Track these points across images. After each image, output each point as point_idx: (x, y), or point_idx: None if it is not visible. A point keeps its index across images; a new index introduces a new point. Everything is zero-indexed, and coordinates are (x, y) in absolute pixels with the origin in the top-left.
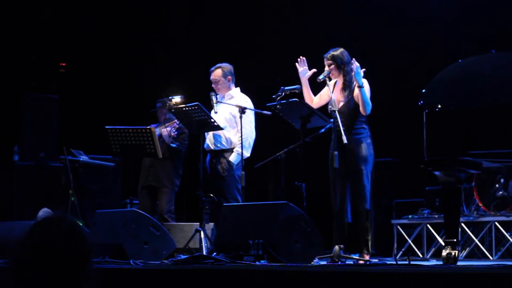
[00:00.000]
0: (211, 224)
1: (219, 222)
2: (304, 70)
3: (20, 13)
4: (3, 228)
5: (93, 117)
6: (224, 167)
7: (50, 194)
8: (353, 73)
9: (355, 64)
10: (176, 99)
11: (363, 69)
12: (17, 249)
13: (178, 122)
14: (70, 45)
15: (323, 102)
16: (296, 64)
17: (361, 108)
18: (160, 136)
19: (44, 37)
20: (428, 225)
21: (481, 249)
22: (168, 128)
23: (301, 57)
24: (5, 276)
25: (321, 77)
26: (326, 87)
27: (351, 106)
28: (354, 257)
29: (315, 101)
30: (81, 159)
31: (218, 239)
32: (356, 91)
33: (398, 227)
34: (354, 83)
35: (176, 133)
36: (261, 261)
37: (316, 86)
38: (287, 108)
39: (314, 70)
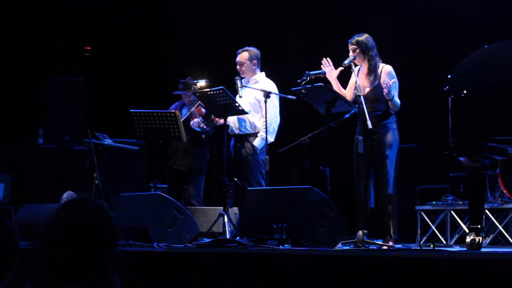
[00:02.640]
0: (235, 208)
1: (243, 206)
2: (330, 71)
3: None
4: (28, 211)
5: (118, 101)
6: (248, 151)
7: (74, 177)
8: (385, 92)
9: (393, 80)
10: (201, 83)
11: (393, 80)
12: (43, 230)
13: (203, 104)
14: (95, 29)
15: (352, 93)
16: (322, 66)
17: (391, 107)
18: (189, 120)
19: (69, 21)
20: (452, 212)
21: (505, 236)
22: (197, 119)
23: (324, 59)
24: (31, 257)
25: (346, 61)
26: (352, 78)
27: (377, 92)
28: (377, 242)
29: (347, 94)
30: (105, 143)
31: (241, 223)
32: (384, 76)
33: (422, 213)
34: (380, 68)
35: (205, 123)
36: (285, 245)
37: (343, 71)
38: (312, 93)
39: (340, 68)
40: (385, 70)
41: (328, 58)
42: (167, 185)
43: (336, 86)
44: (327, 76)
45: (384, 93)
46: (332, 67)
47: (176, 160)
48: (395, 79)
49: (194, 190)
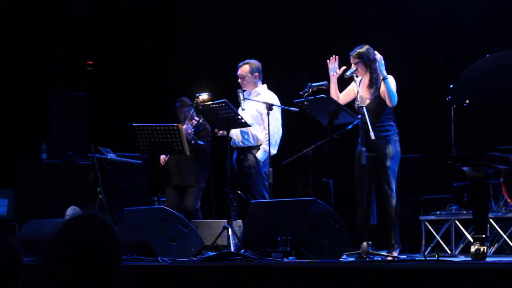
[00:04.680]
0: (239, 221)
1: (247, 219)
2: (333, 68)
3: (48, 12)
4: (32, 226)
5: (121, 115)
6: (251, 164)
7: (78, 192)
8: (377, 64)
9: (378, 56)
10: (203, 96)
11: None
12: (48, 246)
13: (197, 120)
14: (97, 43)
15: (348, 99)
16: (328, 61)
17: (387, 100)
18: None
19: (71, 36)
20: (456, 221)
21: (509, 245)
22: (185, 126)
23: (333, 55)
24: (36, 273)
25: (348, 73)
26: (351, 84)
27: (378, 103)
28: (382, 253)
29: (341, 98)
30: (108, 157)
31: (246, 236)
32: (382, 86)
33: (426, 223)
34: (381, 78)
35: (193, 130)
36: (289, 257)
37: (344, 82)
38: (315, 104)
39: (344, 67)
40: None
41: (337, 57)
42: (165, 199)
43: (334, 85)
44: (329, 72)
45: (378, 73)
46: (337, 66)
47: (174, 175)
48: (394, 82)
49: (193, 205)
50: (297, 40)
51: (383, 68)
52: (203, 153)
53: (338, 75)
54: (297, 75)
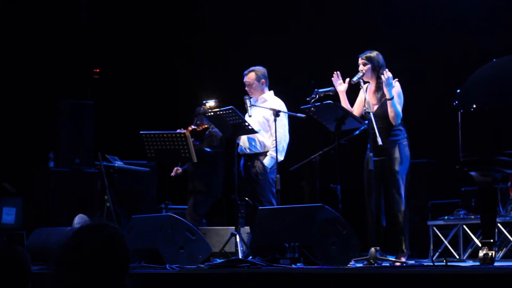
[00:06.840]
0: (247, 228)
1: (255, 226)
2: (340, 85)
3: (55, 20)
4: (40, 235)
5: (128, 123)
6: (258, 170)
7: (85, 200)
8: (383, 84)
9: (387, 75)
10: (210, 103)
11: (396, 79)
12: (57, 253)
13: (193, 127)
14: (104, 51)
15: (360, 110)
16: (332, 79)
17: (391, 118)
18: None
19: (78, 44)
20: (464, 226)
21: None
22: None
23: (335, 72)
24: (46, 281)
25: (355, 78)
26: (360, 93)
27: (386, 109)
28: (390, 259)
29: (354, 111)
30: (116, 165)
31: (254, 243)
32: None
33: (434, 228)
34: (388, 98)
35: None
36: (298, 264)
37: (350, 88)
38: (322, 110)
39: (348, 79)
40: None
41: (338, 72)
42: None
43: (344, 100)
44: (337, 89)
45: (383, 82)
46: (342, 81)
47: (189, 181)
48: (399, 89)
49: (192, 209)
50: (304, 45)
51: (390, 88)
52: (206, 159)
53: (346, 89)
54: (304, 81)
